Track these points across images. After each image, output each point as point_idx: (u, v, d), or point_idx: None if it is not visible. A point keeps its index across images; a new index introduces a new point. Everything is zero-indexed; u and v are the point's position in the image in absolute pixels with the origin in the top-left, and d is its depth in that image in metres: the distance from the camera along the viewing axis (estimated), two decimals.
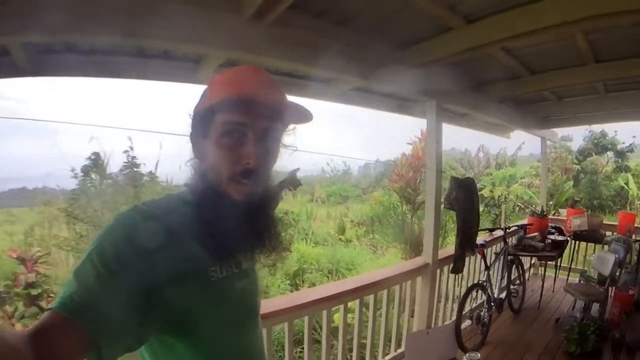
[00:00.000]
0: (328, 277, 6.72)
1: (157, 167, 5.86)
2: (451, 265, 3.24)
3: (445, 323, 3.48)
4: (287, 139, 0.89)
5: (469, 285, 3.64)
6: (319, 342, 2.91)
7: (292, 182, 1.49)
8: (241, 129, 0.77)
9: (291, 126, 0.88)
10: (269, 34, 1.92)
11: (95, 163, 5.63)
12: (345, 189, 14.06)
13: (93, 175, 5.65)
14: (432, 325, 3.20)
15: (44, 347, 0.52)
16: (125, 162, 5.56)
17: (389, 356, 2.94)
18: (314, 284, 6.34)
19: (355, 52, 2.26)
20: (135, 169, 5.60)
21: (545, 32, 1.94)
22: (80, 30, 1.53)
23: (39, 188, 7.45)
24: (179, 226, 0.74)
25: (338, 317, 2.66)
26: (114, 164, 5.63)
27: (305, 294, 2.42)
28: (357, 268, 7.16)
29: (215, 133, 0.78)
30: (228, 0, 1.79)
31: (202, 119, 0.80)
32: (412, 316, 3.18)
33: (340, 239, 9.20)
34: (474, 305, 3.77)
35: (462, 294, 3.38)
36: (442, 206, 3.12)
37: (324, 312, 2.31)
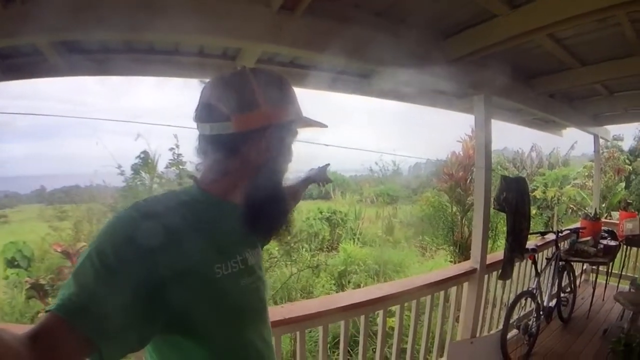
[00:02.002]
0: (374, 279, 6.59)
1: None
2: (500, 271, 3.03)
3: (491, 332, 3.28)
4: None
5: (517, 292, 3.42)
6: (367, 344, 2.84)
7: (321, 177, 1.41)
8: None
9: None
10: (301, 26, 1.85)
11: (145, 161, 5.82)
12: (394, 189, 13.73)
13: (143, 173, 5.83)
14: (478, 334, 3.02)
15: (43, 349, 0.52)
16: (170, 160, 5.69)
17: None
18: (359, 285, 6.24)
19: (394, 43, 2.11)
20: (180, 167, 5.71)
21: (589, 17, 1.82)
22: (113, 29, 1.53)
23: (91, 186, 7.85)
24: (181, 223, 0.72)
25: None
26: (163, 163, 5.78)
27: (345, 297, 2.33)
28: (404, 270, 7.01)
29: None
30: None
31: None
32: (457, 321, 3.00)
33: (388, 239, 9.05)
34: (522, 314, 3.53)
35: (510, 302, 3.17)
36: (492, 207, 2.92)
37: (362, 317, 2.21)
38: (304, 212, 9.62)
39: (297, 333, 1.95)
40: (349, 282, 6.45)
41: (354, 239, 9.10)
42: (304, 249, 7.42)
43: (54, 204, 10.44)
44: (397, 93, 2.92)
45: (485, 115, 2.77)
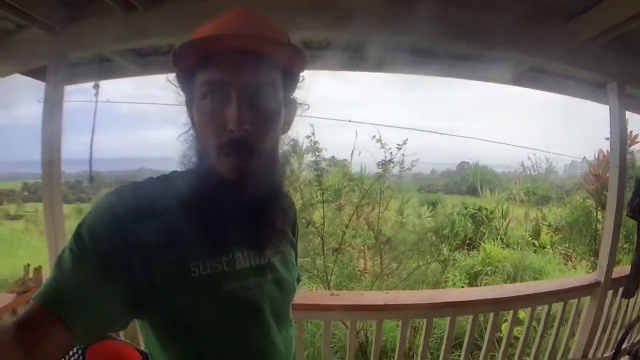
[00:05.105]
0: (506, 283, 6.13)
1: (352, 156, 5.86)
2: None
3: (605, 355, 2.89)
4: (298, 93, 0.74)
5: None
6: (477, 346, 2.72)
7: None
8: (222, 88, 0.63)
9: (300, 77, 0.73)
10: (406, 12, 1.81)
11: (294, 148, 6.27)
12: (544, 188, 12.73)
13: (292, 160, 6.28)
14: (591, 354, 2.70)
15: (28, 336, 0.53)
16: (307, 146, 6.04)
17: None
18: None
19: (517, 26, 2.00)
20: (317, 153, 6.02)
21: None
22: None
23: None
24: (162, 209, 0.65)
25: (505, 327, 2.47)
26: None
27: (453, 294, 2.27)
28: (543, 277, 6.43)
29: (196, 96, 0.66)
30: None
31: (184, 80, 0.69)
32: (574, 334, 2.73)
33: (533, 243, 8.35)
34: (638, 339, 3.05)
35: (627, 324, 2.76)
36: (624, 214, 2.57)
37: (470, 317, 2.11)
38: (448, 207, 9.27)
39: (400, 322, 1.94)
40: (483, 282, 6.12)
41: (496, 239, 8.51)
42: (442, 245, 7.12)
43: None
44: (522, 79, 2.73)
45: (619, 106, 2.44)
